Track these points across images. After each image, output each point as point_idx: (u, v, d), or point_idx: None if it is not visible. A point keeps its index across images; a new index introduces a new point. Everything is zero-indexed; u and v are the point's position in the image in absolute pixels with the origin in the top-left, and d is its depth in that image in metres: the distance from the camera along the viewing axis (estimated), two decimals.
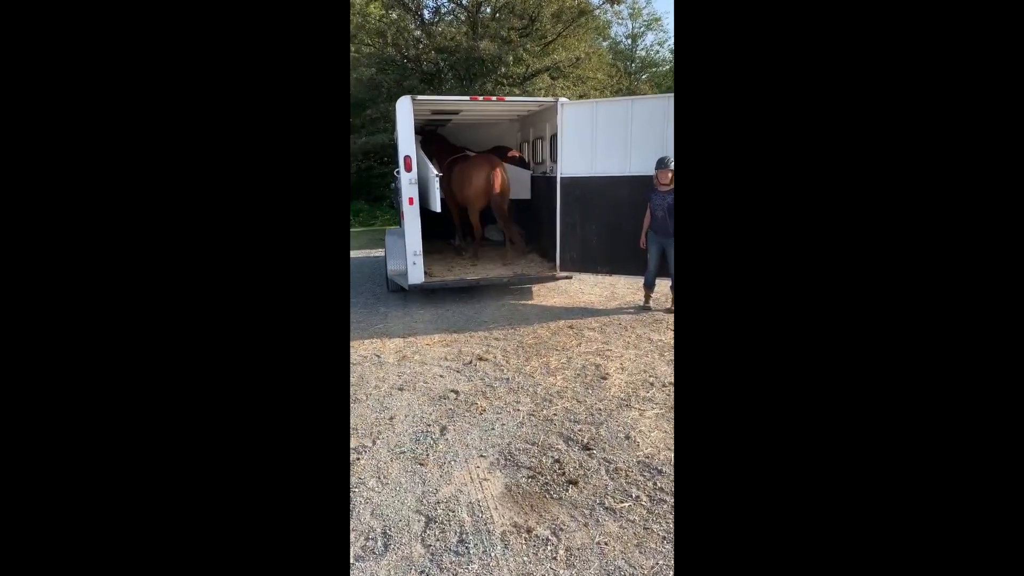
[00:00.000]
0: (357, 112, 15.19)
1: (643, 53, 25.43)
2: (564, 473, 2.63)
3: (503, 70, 14.24)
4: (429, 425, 3.17)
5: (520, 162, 7.62)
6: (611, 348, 4.42)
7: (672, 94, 4.89)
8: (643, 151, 5.21)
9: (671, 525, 2.20)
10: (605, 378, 3.79)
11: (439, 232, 7.82)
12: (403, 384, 3.80)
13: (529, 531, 2.21)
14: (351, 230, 13.98)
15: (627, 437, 2.96)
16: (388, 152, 14.99)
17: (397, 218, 5.73)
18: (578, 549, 2.10)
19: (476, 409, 3.37)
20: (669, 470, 2.62)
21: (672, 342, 4.44)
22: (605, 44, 22.95)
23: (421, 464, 2.74)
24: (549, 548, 2.11)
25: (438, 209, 5.71)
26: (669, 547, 2.08)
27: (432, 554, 2.09)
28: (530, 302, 6.10)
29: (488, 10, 15.23)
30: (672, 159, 4.90)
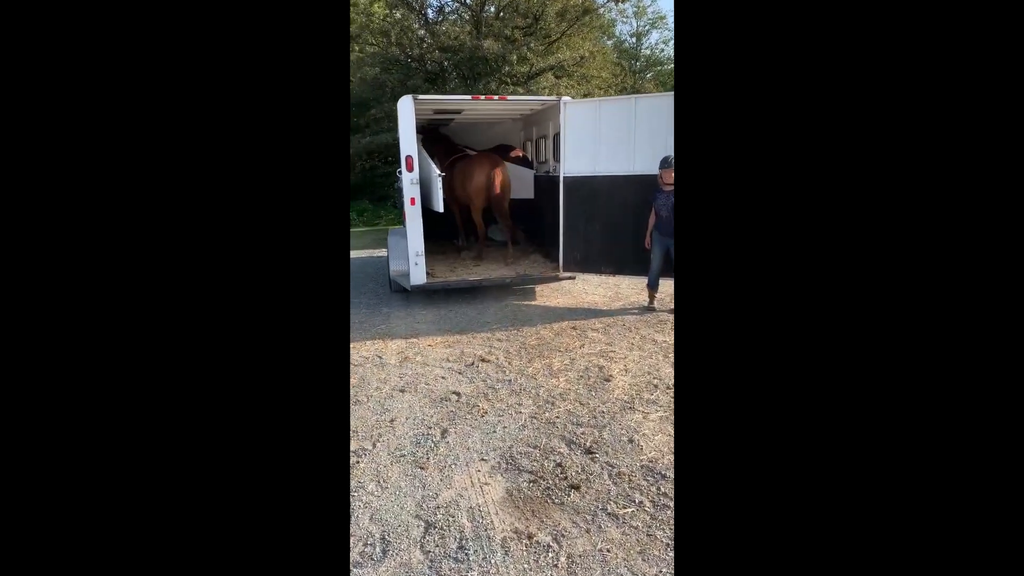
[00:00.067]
0: (361, 112, 15.20)
1: (648, 52, 25.33)
2: (566, 477, 2.59)
3: (507, 69, 14.20)
4: (430, 428, 3.14)
5: (523, 161, 7.58)
6: (615, 349, 4.37)
7: None
8: (647, 150, 5.16)
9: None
10: (608, 380, 3.75)
11: (442, 232, 7.80)
12: (404, 386, 3.77)
13: (530, 537, 2.17)
14: (355, 230, 13.99)
15: (630, 440, 2.92)
16: (392, 152, 14.96)
17: (400, 218, 5.70)
18: (580, 556, 2.06)
19: (478, 411, 3.34)
20: (673, 475, 2.57)
21: None
22: (609, 43, 22.84)
23: (421, 468, 2.71)
24: (550, 555, 2.07)
25: (440, 209, 5.68)
26: (673, 554, 2.04)
27: (431, 560, 2.06)
28: (533, 303, 6.06)
29: (492, 9, 15.18)
30: None
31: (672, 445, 2.85)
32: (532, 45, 14.39)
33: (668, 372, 3.86)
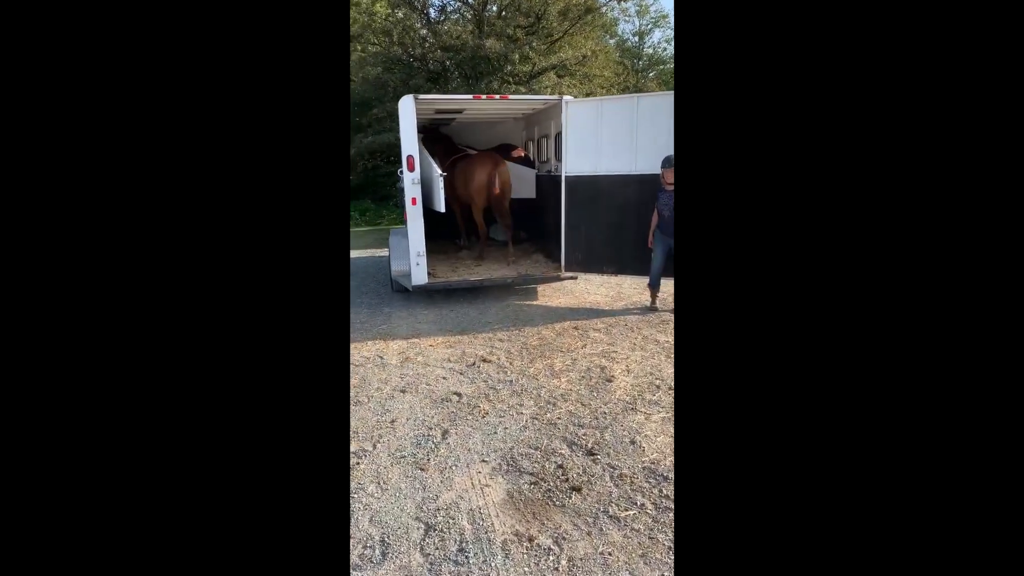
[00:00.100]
0: (363, 111, 15.19)
1: (650, 51, 25.28)
2: (567, 479, 2.57)
3: (509, 68, 14.17)
4: (431, 429, 3.12)
5: (525, 161, 7.55)
6: (617, 350, 4.35)
7: None
8: (649, 149, 5.13)
9: None
10: (610, 380, 3.73)
11: (443, 232, 7.78)
12: (405, 386, 3.75)
13: (531, 540, 2.15)
14: (357, 229, 13.99)
15: (632, 442, 2.90)
16: (394, 151, 14.94)
17: (402, 218, 5.68)
18: (581, 559, 2.04)
19: (479, 412, 3.32)
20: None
21: None
22: (612, 42, 22.80)
23: (422, 469, 2.69)
24: (551, 558, 2.05)
25: (442, 209, 5.66)
26: (674, 558, 2.02)
27: (431, 563, 2.04)
28: (535, 303, 6.04)
29: (494, 8, 15.16)
30: None
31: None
32: (534, 44, 14.37)
33: (670, 373, 3.83)
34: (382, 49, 14.68)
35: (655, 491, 2.46)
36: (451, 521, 2.28)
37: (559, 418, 3.21)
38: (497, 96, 5.98)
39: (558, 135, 5.99)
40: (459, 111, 6.96)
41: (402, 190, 5.65)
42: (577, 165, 5.55)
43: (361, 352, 4.48)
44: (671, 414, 3.21)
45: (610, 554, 2.06)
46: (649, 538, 2.14)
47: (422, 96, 5.49)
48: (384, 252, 9.44)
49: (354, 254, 9.99)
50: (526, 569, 2.00)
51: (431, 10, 15.76)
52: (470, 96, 5.76)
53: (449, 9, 16.14)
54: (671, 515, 2.27)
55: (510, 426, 3.13)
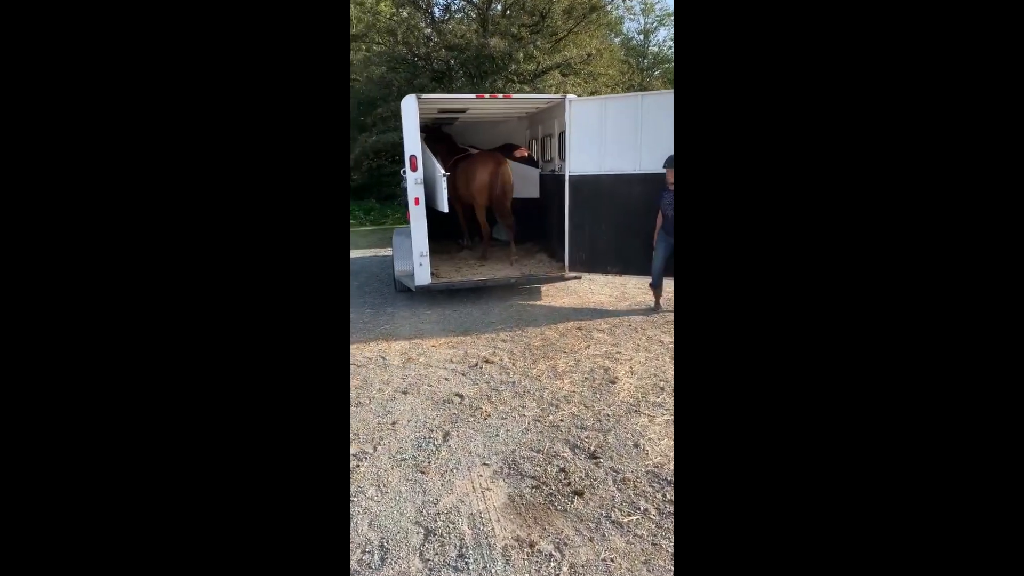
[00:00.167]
0: (368, 111, 15.18)
1: (655, 49, 25.14)
2: (570, 483, 2.54)
3: (513, 67, 14.11)
4: (432, 431, 3.09)
5: (528, 160, 7.52)
6: (621, 351, 4.31)
7: None
8: (654, 148, 5.08)
9: None
10: (614, 382, 3.69)
11: (447, 232, 7.76)
12: (407, 387, 3.73)
13: (532, 545, 2.12)
14: (361, 228, 14.00)
15: (636, 445, 2.86)
16: (399, 151, 14.92)
17: (406, 217, 5.66)
18: (582, 566, 2.00)
19: (480, 414, 3.29)
20: None
21: None
22: (617, 40, 22.69)
23: (422, 472, 2.66)
24: (552, 564, 2.02)
25: (445, 209, 5.63)
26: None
27: (430, 569, 2.01)
28: (538, 303, 6.00)
29: (499, 7, 15.11)
30: None
31: None
32: (539, 43, 14.29)
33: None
34: (386, 48, 14.66)
35: (658, 496, 2.42)
36: (451, 526, 2.25)
37: (562, 420, 3.17)
38: (500, 95, 5.94)
39: (562, 134, 5.94)
40: (462, 110, 6.93)
41: (405, 190, 5.63)
42: (581, 164, 5.50)
43: (363, 352, 4.46)
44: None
45: (612, 560, 2.03)
46: (652, 544, 2.10)
47: (425, 96, 5.46)
48: (388, 252, 9.43)
49: (358, 254, 9.99)
50: (527, 575, 1.97)
51: (435, 9, 15.74)
52: (473, 95, 5.72)
53: (453, 8, 16.11)
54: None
55: (512, 428, 3.09)
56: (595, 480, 2.56)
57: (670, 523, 2.23)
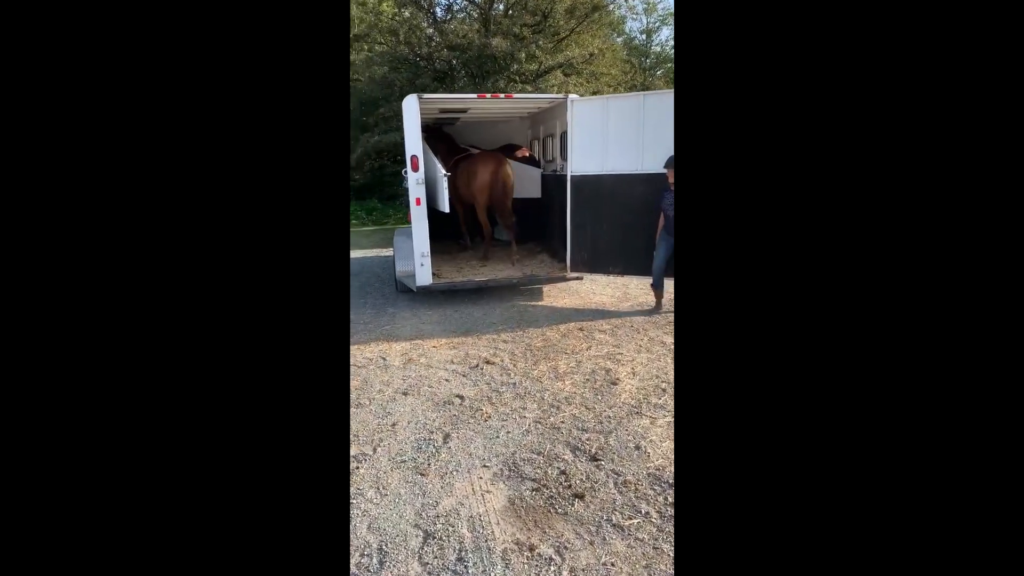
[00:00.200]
0: (370, 111, 15.18)
1: (658, 49, 25.10)
2: (570, 486, 2.51)
3: (515, 67, 14.10)
4: (432, 432, 3.08)
5: (530, 160, 7.49)
6: (622, 351, 4.28)
7: None
8: (656, 148, 5.05)
9: None
10: (615, 383, 3.66)
11: (448, 232, 7.74)
12: (407, 388, 3.71)
13: (532, 549, 2.10)
14: (363, 228, 13.99)
15: (637, 447, 2.84)
16: (401, 151, 14.93)
17: (407, 218, 5.65)
18: (583, 570, 1.98)
19: (481, 416, 3.27)
20: None
21: None
22: (619, 40, 22.66)
23: (422, 474, 2.64)
24: (552, 568, 1.99)
25: (446, 209, 5.62)
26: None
27: (429, 573, 1.99)
28: (540, 303, 5.98)
29: (501, 7, 15.08)
30: None
31: None
32: (541, 43, 14.28)
33: None
34: (388, 48, 14.67)
35: (660, 499, 2.39)
36: (450, 528, 2.23)
37: (563, 422, 3.15)
38: (502, 95, 5.92)
39: (563, 134, 5.92)
40: (464, 110, 6.91)
41: (407, 190, 5.62)
42: (583, 164, 5.48)
43: (364, 353, 4.45)
44: None
45: (613, 565, 2.00)
46: (654, 548, 2.08)
47: (426, 95, 5.45)
48: (390, 252, 9.42)
49: (360, 254, 9.99)
50: None
51: (437, 9, 15.72)
52: (475, 95, 5.70)
53: (455, 8, 16.08)
54: None
55: (512, 430, 3.07)
56: (596, 483, 2.54)
57: (671, 527, 2.20)
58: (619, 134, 5.25)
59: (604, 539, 2.15)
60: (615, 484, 2.52)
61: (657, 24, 24.60)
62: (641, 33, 24.95)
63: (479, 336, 4.83)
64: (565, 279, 5.96)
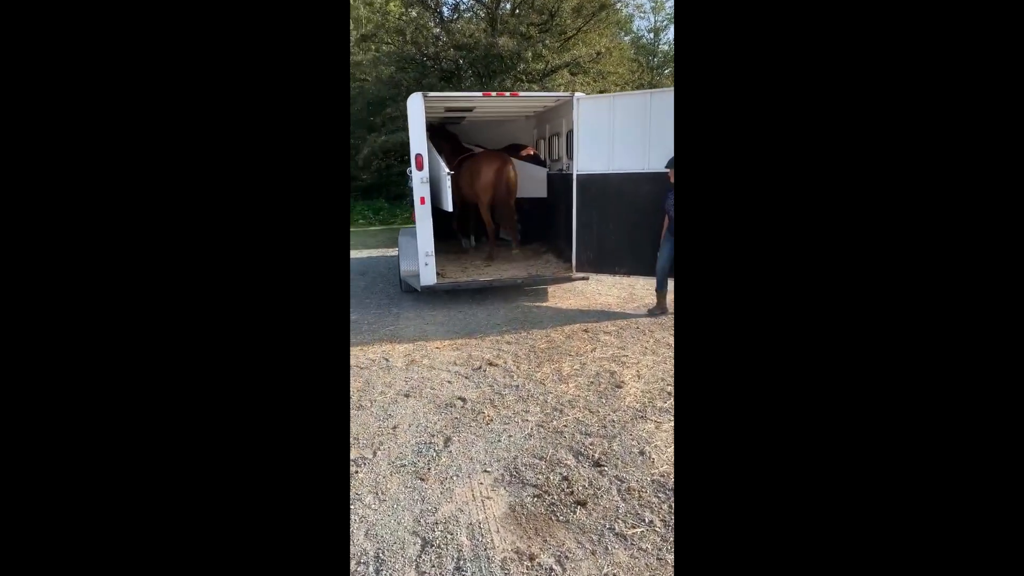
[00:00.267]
0: (377, 110, 15.17)
1: (666, 47, 24.92)
2: (572, 492, 2.46)
3: (522, 67, 14.03)
4: (433, 436, 3.03)
5: (535, 159, 7.43)
6: (627, 354, 4.22)
7: None
8: (662, 147, 4.98)
9: None
10: (620, 386, 3.60)
11: (454, 232, 7.71)
12: (409, 390, 3.67)
13: (532, 558, 2.04)
14: (370, 228, 14.00)
15: (641, 453, 2.77)
16: (408, 150, 14.90)
17: (412, 217, 5.62)
18: None
19: (483, 419, 3.22)
20: None
21: None
22: (627, 39, 22.53)
23: (422, 479, 2.60)
24: None
25: (450, 208, 5.58)
26: None
27: None
28: (544, 304, 5.92)
29: (507, 6, 15.01)
30: None
31: None
32: (547, 42, 14.19)
33: None
34: (395, 48, 14.62)
35: (664, 507, 2.33)
36: (449, 536, 2.18)
37: (565, 426, 3.09)
38: (507, 93, 5.86)
39: (569, 133, 5.86)
40: (469, 109, 6.87)
41: (411, 189, 5.58)
42: (589, 163, 5.42)
43: (367, 354, 4.41)
44: None
45: (615, 575, 1.95)
46: (657, 559, 2.02)
47: (431, 94, 5.40)
48: (396, 251, 9.40)
49: (366, 253, 9.98)
50: None
51: (444, 8, 15.68)
52: (479, 93, 5.65)
53: (462, 7, 16.04)
54: None
55: (514, 434, 3.02)
56: (599, 489, 2.48)
57: None
58: (626, 133, 5.18)
59: (606, 549, 2.09)
60: (618, 491, 2.46)
61: (665, 23, 24.45)
62: (649, 32, 24.84)
63: (483, 337, 4.78)
64: (570, 279, 5.90)
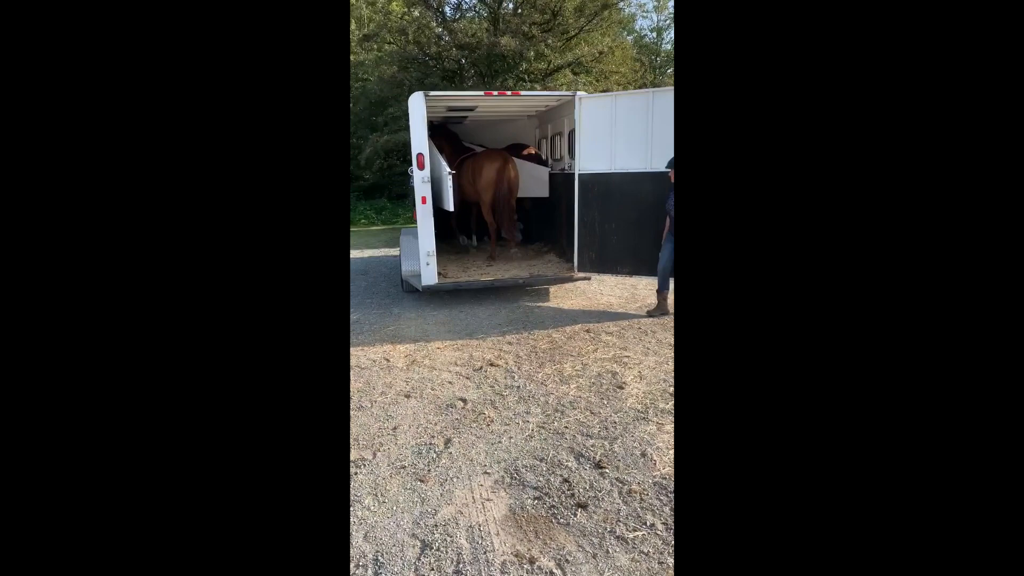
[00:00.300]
0: (379, 110, 15.18)
1: (669, 47, 24.84)
2: (573, 495, 2.44)
3: (524, 66, 14.02)
4: (433, 437, 3.01)
5: (536, 159, 7.41)
6: (629, 354, 4.19)
7: None
8: (665, 146, 4.95)
9: None
10: (622, 387, 3.58)
11: (451, 229, 7.69)
12: (410, 391, 3.65)
13: (532, 562, 2.02)
14: (373, 228, 14.01)
15: (643, 455, 2.75)
16: (410, 150, 14.91)
17: (414, 216, 5.61)
18: None
19: (483, 420, 3.20)
20: None
21: None
22: (630, 38, 22.47)
23: (421, 481, 2.58)
24: None
25: (452, 208, 5.56)
26: None
27: None
28: (546, 304, 5.90)
29: (510, 6, 14.99)
30: None
31: None
32: (550, 41, 14.15)
33: None
34: (398, 48, 14.62)
35: (666, 509, 2.31)
36: (449, 538, 2.16)
37: (567, 427, 3.07)
38: (509, 92, 5.84)
39: (571, 132, 5.84)
40: (471, 108, 6.85)
41: (413, 188, 5.57)
42: (591, 163, 5.39)
43: (368, 355, 4.40)
44: None
45: None
46: (658, 563, 2.00)
47: (432, 93, 5.38)
48: (398, 251, 9.38)
49: (368, 253, 9.97)
50: None
51: (447, 8, 15.66)
52: (481, 92, 5.63)
53: (464, 7, 16.02)
54: None
55: (515, 435, 3.00)
56: (600, 492, 2.45)
57: None
58: (628, 132, 5.15)
59: (607, 552, 2.06)
60: (619, 493, 2.43)
61: (668, 22, 24.37)
62: (652, 31, 24.77)
63: (484, 338, 4.76)
64: (572, 279, 5.87)
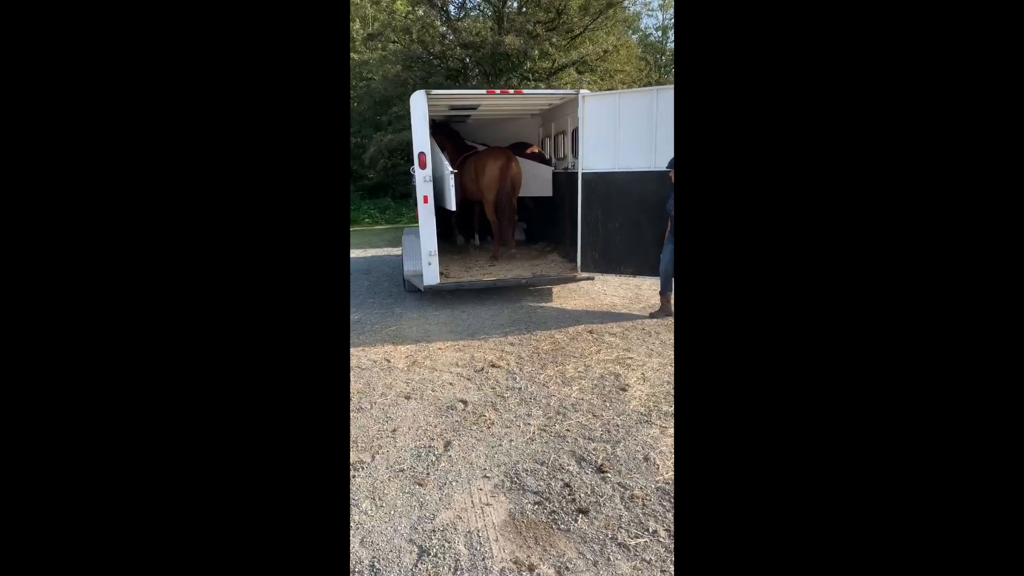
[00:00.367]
0: (383, 109, 15.17)
1: (674, 46, 24.73)
2: (574, 500, 2.39)
3: (529, 65, 13.97)
4: (433, 439, 2.97)
5: (539, 158, 7.36)
6: (632, 356, 4.14)
7: None
8: (669, 145, 4.89)
9: None
10: (625, 390, 3.53)
11: (451, 227, 7.65)
12: (410, 392, 3.61)
13: (531, 569, 1.98)
14: (376, 227, 13.99)
15: (646, 459, 2.70)
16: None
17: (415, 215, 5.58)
18: None
19: (484, 422, 3.15)
20: None
21: None
22: (635, 37, 22.38)
23: (420, 484, 2.54)
24: None
25: (453, 207, 5.52)
26: None
27: None
28: (549, 304, 5.85)
29: (514, 4, 14.93)
30: None
31: None
32: (554, 40, 14.09)
33: None
34: (402, 47, 14.59)
35: (669, 516, 2.26)
36: (447, 544, 2.12)
37: (568, 430, 3.02)
38: (511, 91, 5.79)
39: (575, 131, 5.78)
40: (474, 107, 6.81)
41: (415, 187, 5.53)
42: (594, 161, 5.34)
43: (369, 355, 4.36)
44: None
45: None
46: (661, 571, 1.95)
47: (435, 92, 5.34)
48: (400, 251, 9.36)
49: (371, 252, 9.95)
50: None
51: (451, 7, 15.61)
52: (483, 91, 5.58)
53: (469, 6, 15.95)
54: None
55: (516, 438, 2.95)
56: (601, 497, 2.41)
57: None
58: (631, 130, 5.10)
59: (608, 559, 2.02)
60: (621, 498, 2.39)
61: (673, 21, 24.24)
62: (657, 30, 24.65)
63: (486, 338, 4.71)
64: (575, 279, 5.83)
